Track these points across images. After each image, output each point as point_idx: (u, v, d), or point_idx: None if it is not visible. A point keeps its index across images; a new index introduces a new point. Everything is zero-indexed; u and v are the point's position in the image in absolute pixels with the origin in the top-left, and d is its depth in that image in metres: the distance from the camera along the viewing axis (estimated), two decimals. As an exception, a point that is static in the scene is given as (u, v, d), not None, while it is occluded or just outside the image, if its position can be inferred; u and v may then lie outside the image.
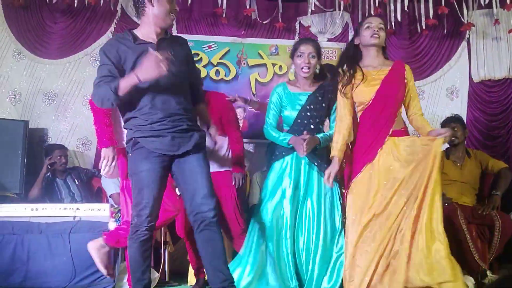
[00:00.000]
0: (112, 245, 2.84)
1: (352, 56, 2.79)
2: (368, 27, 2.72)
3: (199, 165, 2.41)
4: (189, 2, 4.08)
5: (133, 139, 2.37)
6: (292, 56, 2.99)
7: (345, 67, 2.77)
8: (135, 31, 2.44)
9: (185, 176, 2.41)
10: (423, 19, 4.41)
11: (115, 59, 2.33)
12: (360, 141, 2.73)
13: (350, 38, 4.75)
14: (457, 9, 4.33)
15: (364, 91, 2.70)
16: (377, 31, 2.68)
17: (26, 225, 3.33)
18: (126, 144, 2.45)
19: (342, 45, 4.76)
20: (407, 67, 2.75)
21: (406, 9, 4.23)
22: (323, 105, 2.94)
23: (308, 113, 2.93)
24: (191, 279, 3.42)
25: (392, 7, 4.38)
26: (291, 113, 2.96)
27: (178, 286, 3.46)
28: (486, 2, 4.18)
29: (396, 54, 4.75)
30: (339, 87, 2.74)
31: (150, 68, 2.20)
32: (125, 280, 3.23)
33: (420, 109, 2.76)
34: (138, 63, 2.29)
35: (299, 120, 2.94)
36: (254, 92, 4.68)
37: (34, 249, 3.29)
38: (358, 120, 2.77)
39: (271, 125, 3.01)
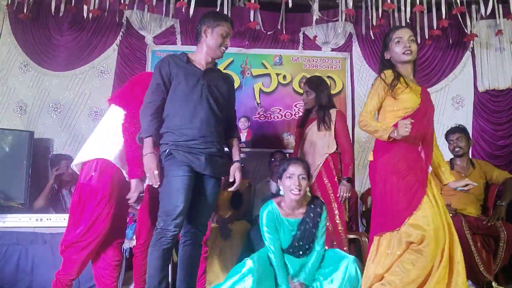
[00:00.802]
0: None
1: (392, 65, 2.66)
2: (398, 41, 2.59)
3: (212, 193, 2.66)
4: (191, 13, 4.08)
5: (167, 150, 2.54)
6: (280, 176, 2.78)
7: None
8: (190, 55, 2.72)
9: (196, 199, 2.60)
10: (426, 30, 4.42)
11: (166, 75, 2.61)
12: (402, 149, 2.51)
13: (353, 48, 4.81)
14: (461, 19, 4.33)
15: (412, 97, 2.55)
16: (409, 46, 2.57)
17: (30, 235, 3.34)
18: (161, 154, 2.59)
19: (346, 55, 4.79)
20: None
21: (408, 20, 4.23)
22: (313, 230, 2.76)
23: (301, 242, 2.75)
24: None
25: (396, 17, 4.39)
26: (282, 241, 2.78)
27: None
28: (488, 12, 4.19)
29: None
30: (387, 82, 2.56)
31: (149, 172, 2.49)
32: (129, 291, 3.24)
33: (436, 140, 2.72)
34: (187, 79, 2.60)
35: (290, 250, 2.78)
36: (259, 102, 4.70)
37: (38, 259, 3.30)
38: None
39: (279, 258, 2.74)
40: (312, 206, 2.77)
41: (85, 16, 4.28)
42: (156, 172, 2.47)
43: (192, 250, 2.63)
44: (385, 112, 2.62)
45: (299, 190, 2.67)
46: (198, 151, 2.54)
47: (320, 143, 3.44)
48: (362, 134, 4.70)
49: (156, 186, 2.50)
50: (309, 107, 3.58)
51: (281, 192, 2.78)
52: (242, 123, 4.68)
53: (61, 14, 4.33)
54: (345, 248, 3.22)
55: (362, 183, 4.66)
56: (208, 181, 2.63)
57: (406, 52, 2.57)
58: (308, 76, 4.70)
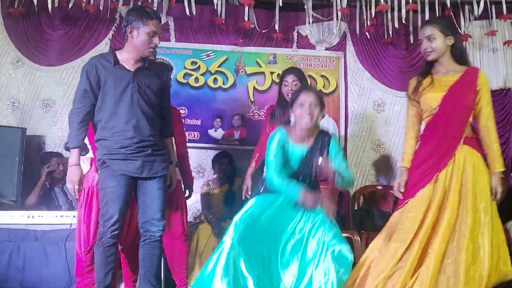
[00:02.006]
0: None
1: (428, 63, 2.69)
2: (420, 43, 2.63)
3: (158, 190, 2.67)
4: (187, 10, 4.07)
5: (102, 159, 2.61)
6: (291, 104, 2.64)
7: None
8: (118, 53, 2.64)
9: (145, 198, 2.67)
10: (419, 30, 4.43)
11: (94, 80, 2.56)
12: (427, 151, 2.60)
13: (347, 48, 4.82)
14: (454, 20, 4.35)
15: (430, 97, 2.58)
16: (426, 48, 2.60)
17: (22, 232, 3.33)
18: (97, 162, 2.68)
19: (340, 54, 4.80)
20: (480, 74, 2.59)
21: (404, 21, 4.25)
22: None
23: (306, 169, 2.60)
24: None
25: (389, 16, 4.41)
26: (288, 168, 2.61)
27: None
28: (480, 12, 4.21)
29: (394, 64, 4.79)
30: (409, 93, 2.67)
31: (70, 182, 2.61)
32: (120, 288, 3.25)
33: (488, 119, 2.59)
34: (116, 84, 2.56)
35: (296, 177, 2.59)
36: (253, 100, 4.70)
37: (30, 256, 3.29)
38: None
39: (280, 173, 2.53)
40: (321, 136, 2.62)
41: (70, 4, 4.24)
42: (77, 187, 2.59)
43: (150, 248, 2.66)
44: None
45: (311, 119, 2.53)
46: (133, 156, 2.59)
47: None
48: (355, 132, 4.73)
49: (76, 198, 2.67)
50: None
51: (291, 121, 2.63)
52: (235, 121, 4.68)
53: (56, 5, 4.28)
54: None
55: (354, 182, 4.66)
56: (150, 182, 2.66)
57: (425, 53, 2.62)
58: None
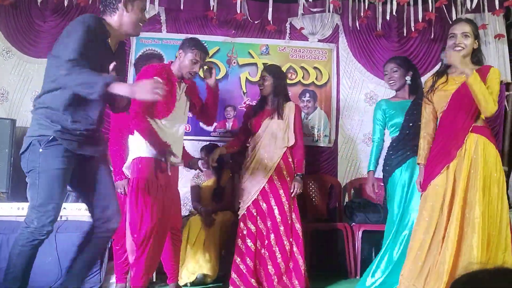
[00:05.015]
0: None
1: (446, 64, 2.79)
2: (452, 36, 2.67)
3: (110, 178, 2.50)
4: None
5: (52, 136, 2.20)
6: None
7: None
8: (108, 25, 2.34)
9: (98, 185, 2.39)
10: (412, 23, 4.43)
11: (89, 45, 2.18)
12: (437, 145, 2.72)
13: (340, 40, 4.80)
14: (446, 13, 4.34)
15: (441, 95, 2.70)
16: (459, 43, 2.64)
17: (12, 224, 3.31)
18: (36, 137, 2.23)
19: (332, 46, 4.78)
20: (492, 70, 2.65)
21: (394, 13, 4.24)
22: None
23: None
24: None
25: (381, 9, 4.40)
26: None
27: (166, 286, 3.46)
28: (473, 6, 4.21)
29: (386, 56, 4.76)
30: (424, 92, 2.79)
31: (148, 91, 2.07)
32: (112, 280, 3.24)
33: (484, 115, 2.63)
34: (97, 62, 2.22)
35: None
36: (245, 91, 4.68)
37: (20, 248, 3.27)
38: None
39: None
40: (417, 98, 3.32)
41: (65, 3, 4.21)
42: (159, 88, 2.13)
43: (102, 242, 2.49)
44: None
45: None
46: (80, 137, 2.32)
47: (280, 135, 3.45)
48: (346, 125, 4.73)
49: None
50: (265, 93, 3.54)
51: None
52: (228, 113, 4.67)
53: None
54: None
55: (345, 175, 4.68)
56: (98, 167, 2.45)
57: (456, 48, 2.64)
58: (295, 66, 4.72)
